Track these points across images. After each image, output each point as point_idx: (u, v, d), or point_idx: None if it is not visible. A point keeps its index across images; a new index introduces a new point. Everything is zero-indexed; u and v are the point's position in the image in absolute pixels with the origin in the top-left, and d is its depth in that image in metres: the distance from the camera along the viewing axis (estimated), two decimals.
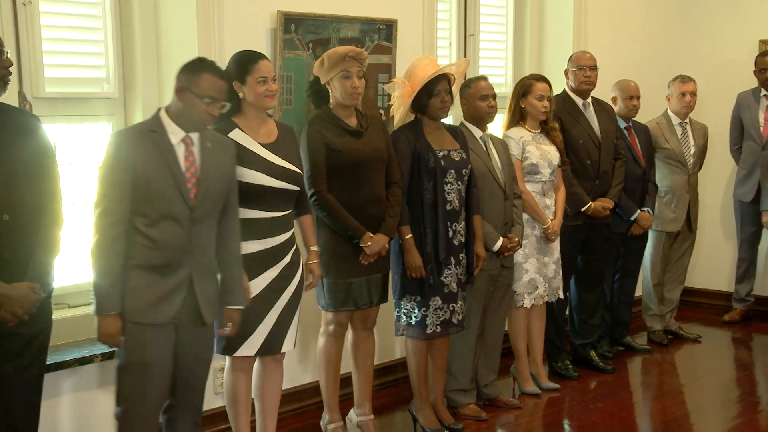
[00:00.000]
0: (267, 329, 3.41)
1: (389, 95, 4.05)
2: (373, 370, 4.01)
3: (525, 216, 4.40)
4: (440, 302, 3.88)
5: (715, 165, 6.10)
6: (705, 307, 6.37)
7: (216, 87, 2.96)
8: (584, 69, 4.82)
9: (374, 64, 4.29)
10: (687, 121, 5.48)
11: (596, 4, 5.67)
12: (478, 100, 4.18)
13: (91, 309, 2.93)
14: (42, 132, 2.93)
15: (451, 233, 3.88)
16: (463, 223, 3.95)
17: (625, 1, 6.00)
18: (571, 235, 4.68)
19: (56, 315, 3.18)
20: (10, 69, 2.88)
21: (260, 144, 3.37)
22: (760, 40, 6.13)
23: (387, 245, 3.74)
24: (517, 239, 4.24)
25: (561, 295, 4.62)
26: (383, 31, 4.39)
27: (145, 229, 2.91)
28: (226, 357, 3.49)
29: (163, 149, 2.93)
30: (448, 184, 3.86)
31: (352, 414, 4.01)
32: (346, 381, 4.06)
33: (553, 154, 4.50)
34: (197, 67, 2.97)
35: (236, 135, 3.33)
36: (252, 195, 3.32)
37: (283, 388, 3.66)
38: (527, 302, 4.48)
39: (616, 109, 5.12)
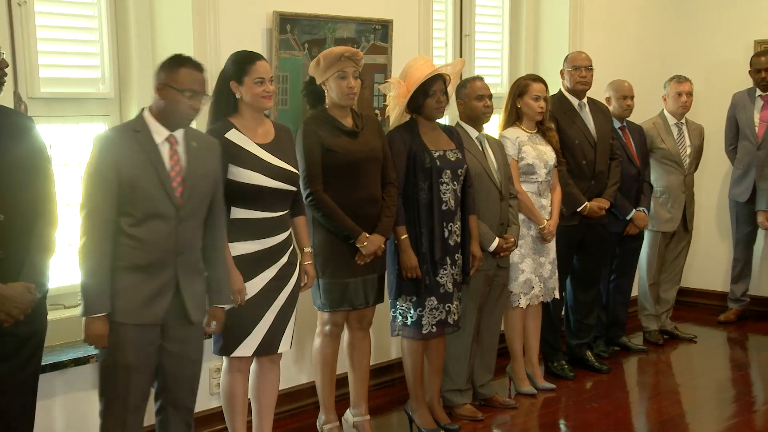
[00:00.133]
0: (264, 330, 3.41)
1: (385, 95, 4.05)
2: (369, 371, 4.01)
3: (521, 216, 4.40)
4: (436, 302, 3.88)
5: (711, 165, 6.11)
6: (700, 307, 6.38)
7: (196, 80, 2.96)
8: (580, 69, 4.82)
9: (370, 65, 4.29)
10: (683, 121, 5.48)
11: (592, 4, 5.68)
12: (474, 100, 4.18)
13: (78, 310, 2.93)
14: (36, 132, 2.93)
15: (446, 233, 3.88)
16: (458, 223, 3.95)
17: (621, 1, 6.01)
18: (567, 235, 4.68)
19: (51, 315, 3.17)
20: (6, 70, 2.88)
21: (257, 144, 3.37)
22: (756, 40, 6.15)
23: (383, 245, 3.74)
24: (513, 239, 4.24)
25: (557, 295, 4.63)
26: (379, 32, 4.39)
27: (130, 229, 2.91)
28: (223, 357, 3.48)
29: (147, 149, 2.93)
30: (444, 184, 3.86)
31: (348, 414, 4.01)
32: (342, 381, 4.06)
33: (549, 154, 4.50)
34: (175, 62, 2.97)
35: (233, 135, 3.33)
36: (249, 195, 3.32)
37: (279, 389, 3.66)
38: (523, 302, 4.49)
39: (610, 109, 5.13)
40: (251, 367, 3.54)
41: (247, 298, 3.34)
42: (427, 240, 3.84)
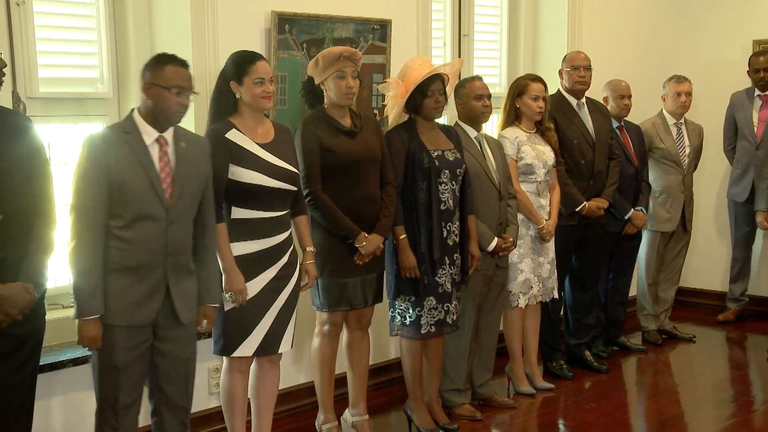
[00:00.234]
0: (264, 330, 3.40)
1: (383, 95, 4.05)
2: (367, 370, 4.01)
3: (520, 216, 4.40)
4: (435, 302, 3.88)
5: (709, 165, 6.11)
6: (699, 306, 6.38)
7: (181, 76, 2.96)
8: (578, 69, 4.82)
9: (368, 64, 4.29)
10: (682, 121, 5.48)
11: (590, 3, 5.68)
12: (473, 100, 4.18)
13: (71, 313, 2.94)
14: (34, 132, 2.93)
15: (445, 233, 3.88)
16: (457, 223, 3.95)
17: (620, 1, 6.01)
18: (565, 235, 4.68)
19: (50, 315, 3.17)
20: (4, 70, 2.88)
21: (257, 144, 3.37)
22: (754, 40, 6.15)
23: (381, 245, 3.74)
24: (511, 239, 4.24)
25: (556, 295, 4.63)
26: (377, 31, 4.39)
27: (120, 231, 2.91)
28: (223, 358, 3.48)
29: (137, 150, 2.93)
30: (442, 184, 3.86)
31: (347, 414, 4.01)
32: (340, 381, 4.06)
33: (548, 154, 4.50)
34: (159, 61, 2.98)
35: (234, 135, 3.33)
36: (250, 195, 3.32)
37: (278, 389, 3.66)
38: (522, 302, 4.49)
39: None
40: (251, 366, 3.54)
41: (248, 298, 3.34)
42: (426, 240, 3.84)
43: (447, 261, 3.89)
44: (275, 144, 3.41)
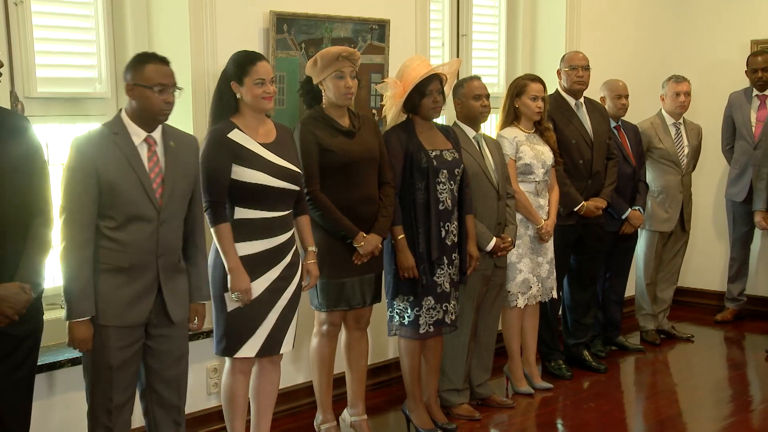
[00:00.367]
0: (267, 330, 3.40)
1: (382, 95, 4.05)
2: (366, 370, 4.01)
3: (519, 216, 4.40)
4: (433, 302, 3.88)
5: (708, 165, 6.12)
6: (697, 306, 6.39)
7: (162, 73, 2.96)
8: (577, 69, 4.82)
9: (367, 64, 4.30)
10: (681, 121, 5.49)
11: (588, 4, 5.68)
12: (472, 100, 4.18)
13: (62, 315, 2.94)
14: (31, 132, 2.93)
15: (443, 233, 3.88)
16: (455, 222, 3.95)
17: (618, 2, 6.01)
18: (563, 235, 4.68)
19: (48, 315, 3.17)
20: (1, 70, 2.88)
21: (260, 144, 3.37)
22: (752, 40, 6.15)
23: (380, 245, 3.74)
24: (510, 239, 4.24)
25: (555, 295, 4.63)
26: (376, 31, 4.39)
27: (111, 232, 2.91)
28: (225, 358, 3.47)
29: (126, 151, 2.93)
30: (441, 184, 3.86)
31: (346, 414, 4.01)
32: (339, 381, 4.05)
33: (546, 154, 4.50)
34: (139, 61, 2.98)
35: (236, 135, 3.33)
36: (253, 195, 3.32)
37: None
38: (521, 302, 4.49)
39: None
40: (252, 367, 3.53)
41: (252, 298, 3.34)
42: (424, 240, 3.84)
43: (445, 261, 3.89)
44: (277, 144, 3.41)
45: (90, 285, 2.90)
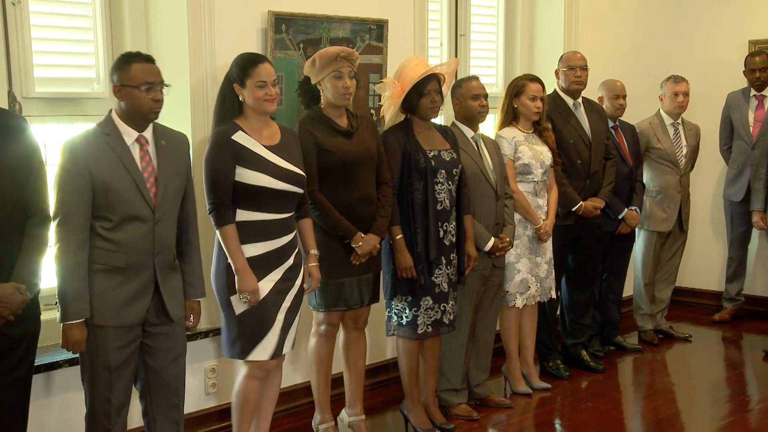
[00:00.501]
0: (277, 332, 3.38)
1: (380, 95, 4.05)
2: (364, 370, 4.00)
3: (517, 216, 4.40)
4: (431, 302, 3.88)
5: (706, 165, 6.12)
6: (695, 306, 6.39)
7: (148, 71, 2.96)
8: (575, 69, 4.82)
9: (365, 64, 4.29)
10: (679, 121, 5.49)
11: (587, 4, 5.68)
12: (470, 100, 4.18)
13: (57, 317, 2.94)
14: (29, 132, 2.93)
15: (441, 233, 3.88)
16: (453, 223, 3.95)
17: (616, 2, 6.01)
18: (562, 235, 4.69)
19: (45, 316, 3.16)
20: None
21: (264, 146, 3.36)
22: (750, 40, 6.16)
23: (378, 245, 3.74)
24: (508, 239, 4.24)
25: (554, 295, 4.63)
26: (374, 31, 4.39)
27: (107, 233, 2.92)
28: (241, 361, 3.45)
29: (118, 151, 2.94)
30: (439, 184, 3.86)
31: (344, 414, 4.01)
32: (337, 381, 4.05)
33: (545, 154, 4.50)
34: (124, 61, 2.98)
35: (240, 137, 3.32)
36: (255, 197, 3.31)
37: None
38: (519, 302, 4.49)
39: None
40: None
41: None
42: (422, 240, 3.84)
43: (443, 261, 3.89)
44: (282, 146, 3.41)
45: (85, 287, 2.90)
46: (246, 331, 3.34)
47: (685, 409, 4.55)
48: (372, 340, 4.39)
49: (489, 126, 5.02)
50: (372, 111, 4.41)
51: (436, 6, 5.08)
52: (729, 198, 5.96)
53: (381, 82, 4.07)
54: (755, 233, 5.98)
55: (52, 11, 3.67)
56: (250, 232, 3.32)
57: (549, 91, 4.77)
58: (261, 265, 3.34)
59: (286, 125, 3.67)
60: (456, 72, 4.27)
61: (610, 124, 5.15)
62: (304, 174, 3.44)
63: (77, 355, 3.02)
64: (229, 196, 3.28)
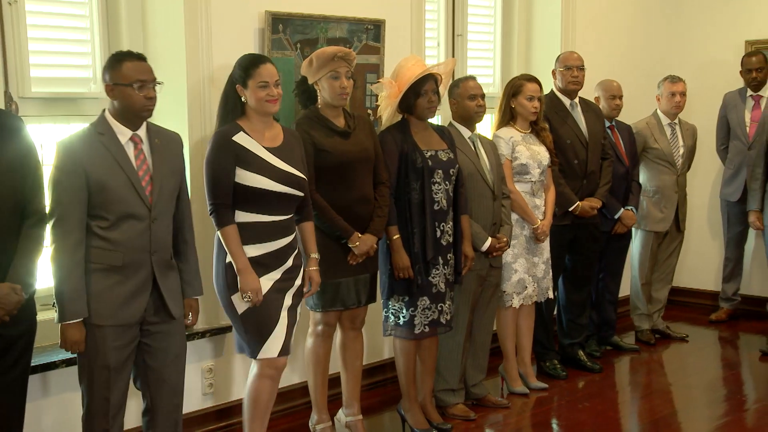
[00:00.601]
0: (284, 329, 3.38)
1: (377, 95, 4.05)
2: (361, 371, 4.00)
3: (514, 216, 4.41)
4: (428, 302, 3.88)
5: (702, 165, 6.13)
6: (692, 306, 6.40)
7: (140, 69, 2.96)
8: (572, 69, 4.83)
9: (362, 64, 4.29)
10: (676, 121, 5.50)
11: (584, 4, 5.69)
12: (467, 100, 4.18)
13: (54, 317, 2.94)
14: (25, 132, 2.93)
15: (438, 233, 3.88)
16: (450, 223, 3.95)
17: (613, 2, 6.02)
18: (558, 235, 4.69)
19: (41, 316, 3.16)
20: None
21: (265, 148, 3.36)
22: (747, 40, 6.17)
23: (375, 245, 3.74)
24: (505, 239, 4.25)
25: (551, 295, 4.63)
26: (371, 31, 4.39)
27: (103, 231, 2.92)
28: (253, 361, 3.44)
29: (113, 150, 2.94)
30: (436, 184, 3.86)
31: (341, 414, 4.01)
32: (334, 381, 4.06)
33: (542, 154, 4.51)
34: (116, 60, 2.98)
35: (241, 138, 3.32)
36: (255, 199, 3.31)
37: None
38: (516, 302, 4.49)
39: None
40: (251, 368, 3.51)
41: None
42: (419, 240, 3.84)
43: (440, 261, 3.90)
44: (283, 149, 3.40)
45: (81, 286, 2.90)
46: (251, 329, 3.34)
47: (682, 408, 4.56)
48: (369, 340, 4.39)
49: (486, 126, 5.02)
50: (369, 111, 4.40)
51: (433, 6, 5.07)
52: (726, 198, 5.96)
53: (378, 82, 4.07)
54: (752, 233, 5.98)
55: (49, 11, 3.67)
56: (249, 234, 3.32)
57: (546, 91, 4.77)
58: (260, 266, 3.33)
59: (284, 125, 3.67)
60: (453, 72, 4.26)
61: (607, 124, 5.15)
62: (305, 177, 3.43)
63: (74, 355, 3.02)
64: (229, 197, 3.28)
